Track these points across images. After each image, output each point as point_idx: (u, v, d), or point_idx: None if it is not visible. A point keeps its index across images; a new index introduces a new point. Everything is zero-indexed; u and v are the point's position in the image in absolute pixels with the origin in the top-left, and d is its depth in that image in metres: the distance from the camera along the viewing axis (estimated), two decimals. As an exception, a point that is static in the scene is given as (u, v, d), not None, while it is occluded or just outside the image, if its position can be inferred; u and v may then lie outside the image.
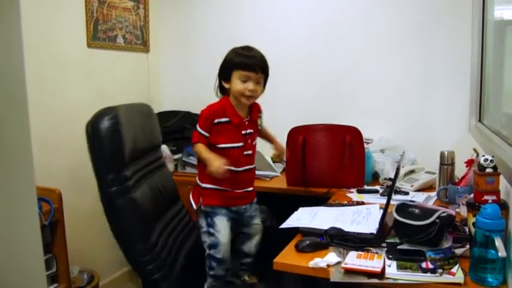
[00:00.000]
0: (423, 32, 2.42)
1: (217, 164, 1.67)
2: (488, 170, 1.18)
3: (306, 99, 2.69)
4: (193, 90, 2.96)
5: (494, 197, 1.17)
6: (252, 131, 1.85)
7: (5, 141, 0.77)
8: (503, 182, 1.22)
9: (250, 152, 1.85)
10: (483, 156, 1.20)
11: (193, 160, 2.52)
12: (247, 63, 1.74)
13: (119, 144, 1.58)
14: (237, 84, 1.75)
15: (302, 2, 2.67)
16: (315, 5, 2.64)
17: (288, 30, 2.71)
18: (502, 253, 1.04)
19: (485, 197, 1.18)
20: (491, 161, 1.18)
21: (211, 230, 1.80)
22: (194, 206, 1.86)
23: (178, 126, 2.80)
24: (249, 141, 1.84)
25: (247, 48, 1.80)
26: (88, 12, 2.48)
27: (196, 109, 2.86)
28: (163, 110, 2.95)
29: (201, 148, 1.75)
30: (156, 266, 1.60)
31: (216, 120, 1.76)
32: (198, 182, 1.86)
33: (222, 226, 1.80)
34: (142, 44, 2.90)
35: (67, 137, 2.33)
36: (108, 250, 2.61)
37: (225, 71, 1.79)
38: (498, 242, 1.06)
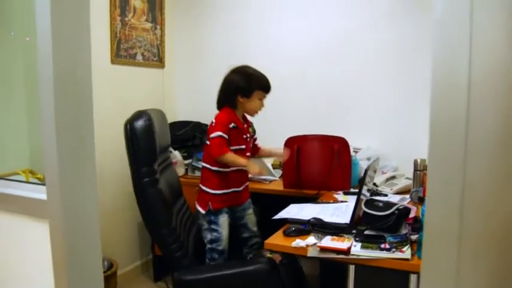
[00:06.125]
0: (412, 52, 2.68)
1: (256, 166, 2.04)
2: (434, 171, 1.48)
3: (302, 112, 3.00)
4: (202, 102, 3.24)
5: (437, 192, 1.47)
6: (249, 135, 2.20)
7: (75, 140, 1.13)
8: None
9: (249, 153, 2.20)
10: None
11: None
12: (269, 87, 2.12)
13: (152, 141, 1.89)
14: (256, 102, 2.11)
15: (301, 22, 2.96)
16: (313, 26, 2.93)
17: (287, 50, 3.00)
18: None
19: (431, 192, 1.48)
20: (436, 163, 1.48)
21: (213, 226, 2.11)
22: (202, 211, 2.12)
23: (189, 135, 3.12)
24: (248, 144, 2.19)
25: (260, 73, 2.12)
26: (112, 33, 2.83)
27: (206, 119, 3.20)
28: (176, 120, 3.28)
29: (233, 157, 2.01)
30: (178, 246, 1.94)
31: (230, 125, 2.07)
32: (208, 189, 2.11)
33: (224, 223, 2.12)
34: (159, 61, 3.24)
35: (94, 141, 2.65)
36: (124, 244, 2.93)
37: (248, 89, 2.09)
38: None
